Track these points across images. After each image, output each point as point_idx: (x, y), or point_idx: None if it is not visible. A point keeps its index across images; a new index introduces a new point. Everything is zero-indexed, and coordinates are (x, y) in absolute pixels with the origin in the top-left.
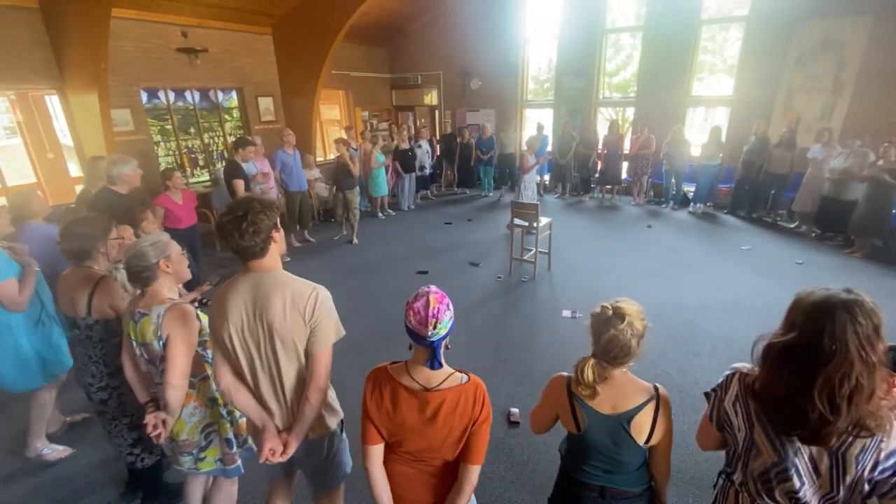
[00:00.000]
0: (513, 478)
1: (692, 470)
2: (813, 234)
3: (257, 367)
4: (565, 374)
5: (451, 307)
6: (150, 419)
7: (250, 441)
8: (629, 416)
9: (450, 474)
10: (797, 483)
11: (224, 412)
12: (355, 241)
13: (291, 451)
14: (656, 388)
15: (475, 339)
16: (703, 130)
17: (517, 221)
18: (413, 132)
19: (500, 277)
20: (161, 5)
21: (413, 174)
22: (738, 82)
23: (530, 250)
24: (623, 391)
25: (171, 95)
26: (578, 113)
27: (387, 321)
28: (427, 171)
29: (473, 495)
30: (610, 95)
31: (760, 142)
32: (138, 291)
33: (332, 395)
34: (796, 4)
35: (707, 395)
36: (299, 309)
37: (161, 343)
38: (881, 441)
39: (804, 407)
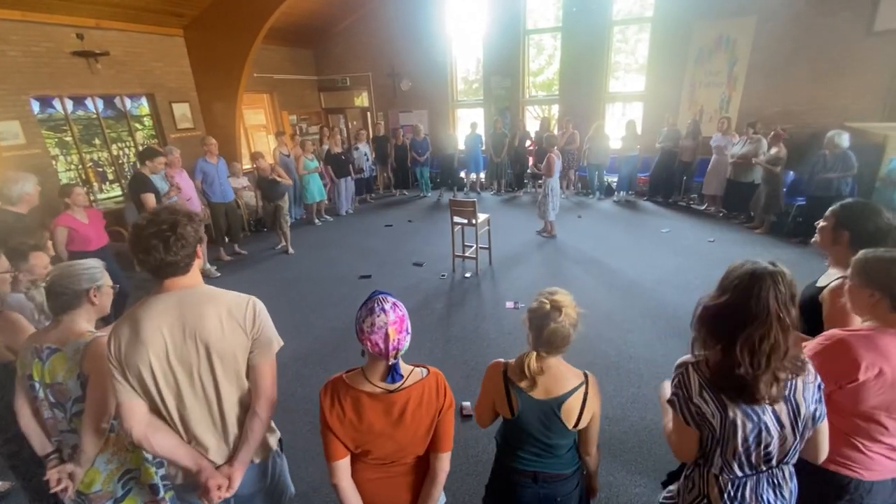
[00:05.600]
0: (468, 470)
1: (632, 440)
2: (720, 214)
3: (187, 397)
4: (502, 360)
5: (409, 327)
6: (52, 475)
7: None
8: (560, 401)
9: (420, 468)
10: (769, 439)
11: (149, 455)
12: (291, 250)
13: (237, 483)
14: (586, 375)
15: (423, 338)
16: (622, 124)
17: (456, 219)
18: (346, 135)
19: (443, 275)
20: (51, 5)
21: (349, 178)
22: (648, 79)
23: (471, 246)
24: (556, 377)
25: (69, 104)
26: (507, 111)
27: (329, 330)
28: (366, 174)
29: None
30: (536, 94)
31: (672, 132)
32: (47, 322)
33: None
34: (693, 6)
35: (670, 402)
36: (238, 321)
37: (80, 382)
38: (804, 379)
39: (732, 366)
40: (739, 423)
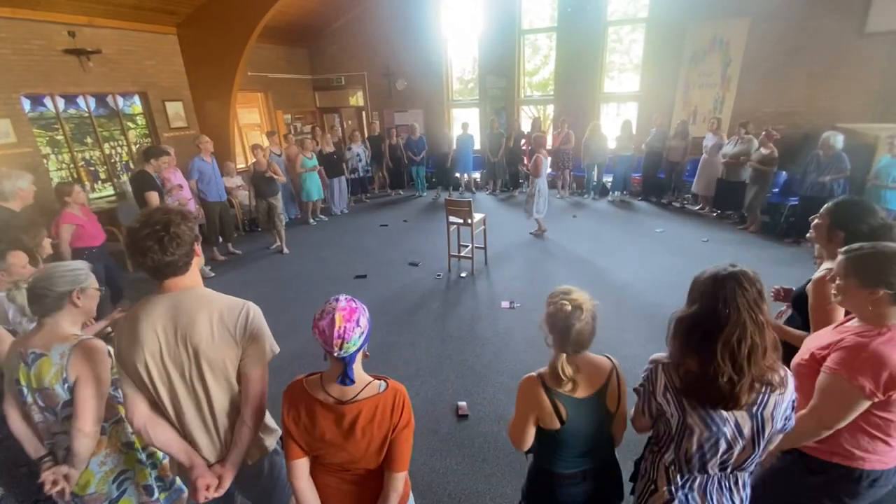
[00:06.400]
0: (465, 470)
1: (626, 437)
2: (713, 214)
3: (181, 397)
4: (534, 374)
5: (361, 321)
6: (47, 476)
7: (178, 482)
8: (603, 392)
9: (376, 482)
10: (725, 448)
11: (143, 456)
12: (286, 250)
13: (227, 483)
14: (609, 359)
15: (418, 337)
16: (617, 124)
17: (452, 219)
18: (342, 134)
19: (439, 275)
20: (41, 2)
21: (342, 178)
22: (643, 79)
23: (467, 246)
24: (590, 372)
25: (61, 102)
26: (502, 111)
27: None
28: (360, 174)
29: (412, 495)
30: (531, 94)
31: (660, 133)
32: (33, 324)
33: (267, 414)
34: (687, 7)
35: (637, 391)
36: (229, 328)
37: (67, 386)
38: (781, 395)
39: (715, 376)
40: (696, 429)
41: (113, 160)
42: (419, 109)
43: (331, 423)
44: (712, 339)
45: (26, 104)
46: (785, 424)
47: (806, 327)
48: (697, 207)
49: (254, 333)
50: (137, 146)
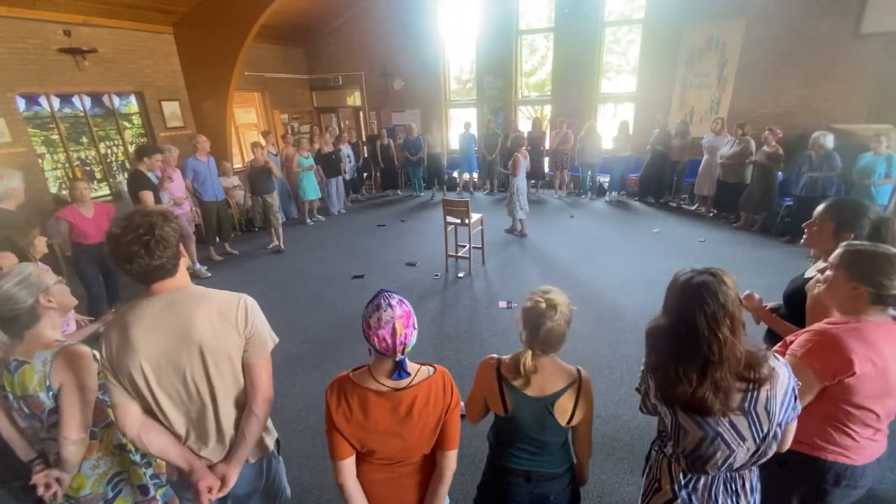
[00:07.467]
0: (460, 469)
1: (624, 438)
2: (710, 214)
3: (182, 400)
4: (495, 356)
5: (415, 323)
6: (39, 479)
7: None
8: (553, 398)
9: (425, 469)
10: (727, 451)
11: (136, 457)
12: (283, 248)
13: (232, 482)
14: (579, 372)
15: (416, 337)
16: (614, 125)
17: (449, 219)
18: (338, 133)
19: (437, 275)
20: (37, 1)
21: (340, 178)
22: (639, 80)
23: (464, 246)
24: (549, 375)
25: (56, 101)
26: (500, 111)
27: (322, 331)
28: (347, 176)
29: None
30: (528, 94)
31: (663, 133)
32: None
33: None
34: (683, 8)
35: (638, 389)
36: (230, 321)
37: (51, 394)
38: (769, 390)
39: (684, 389)
40: (690, 429)
41: (109, 160)
42: (417, 109)
43: (386, 411)
44: (677, 354)
45: (21, 103)
46: (790, 413)
47: (796, 323)
48: (694, 207)
49: (255, 323)
50: (133, 146)
